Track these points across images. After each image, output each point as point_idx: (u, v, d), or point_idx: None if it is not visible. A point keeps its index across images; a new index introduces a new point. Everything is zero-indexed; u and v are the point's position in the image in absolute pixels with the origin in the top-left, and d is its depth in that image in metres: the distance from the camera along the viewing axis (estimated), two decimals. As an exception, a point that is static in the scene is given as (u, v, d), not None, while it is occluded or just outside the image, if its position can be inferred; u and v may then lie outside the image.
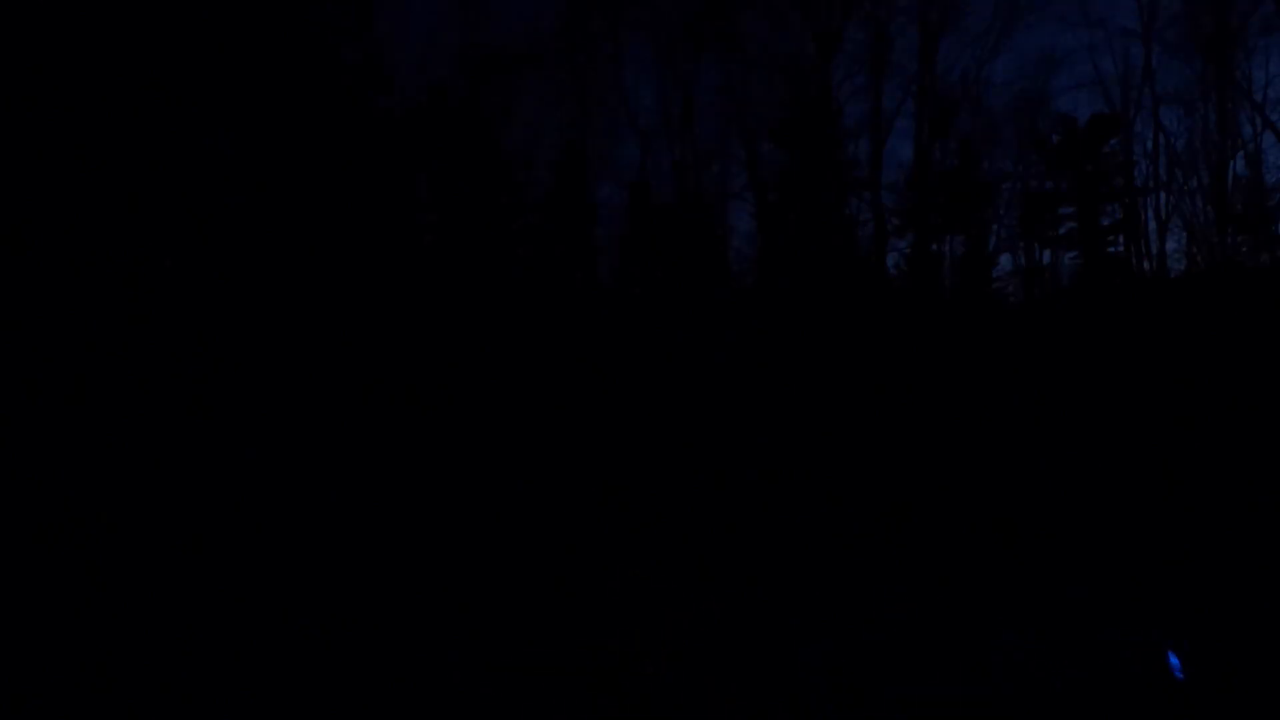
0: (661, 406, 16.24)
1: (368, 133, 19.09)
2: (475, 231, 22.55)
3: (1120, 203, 28.63)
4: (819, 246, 25.04)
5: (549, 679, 6.09)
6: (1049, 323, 21.44)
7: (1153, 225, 27.98)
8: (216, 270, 14.51)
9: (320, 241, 16.04)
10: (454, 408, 15.56)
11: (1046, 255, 31.22)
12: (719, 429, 15.46)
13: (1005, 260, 31.37)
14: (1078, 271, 29.26)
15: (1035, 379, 16.65)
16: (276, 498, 12.39)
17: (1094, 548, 10.19)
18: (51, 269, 12.94)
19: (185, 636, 7.24)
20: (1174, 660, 6.01)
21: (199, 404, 13.49)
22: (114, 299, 13.37)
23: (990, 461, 13.89)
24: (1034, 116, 29.48)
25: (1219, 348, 15.72)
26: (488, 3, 36.11)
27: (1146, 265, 27.67)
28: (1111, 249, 28.90)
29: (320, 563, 10.09)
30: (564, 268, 24.51)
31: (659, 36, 28.05)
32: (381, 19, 32.73)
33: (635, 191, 27.14)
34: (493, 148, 24.49)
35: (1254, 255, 25.12)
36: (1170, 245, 35.22)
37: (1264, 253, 24.88)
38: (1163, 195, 28.05)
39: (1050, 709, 5.51)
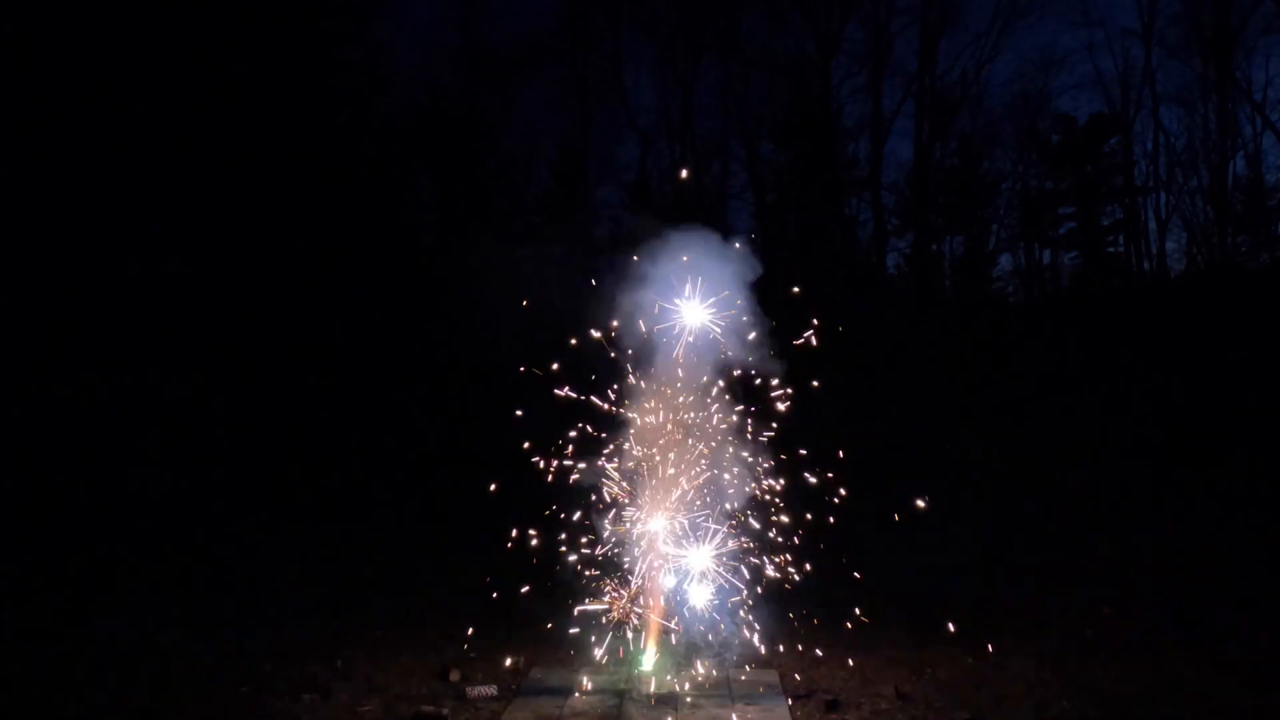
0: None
1: (368, 132, 19.11)
2: (475, 231, 22.57)
3: (1120, 203, 28.64)
4: (819, 246, 25.06)
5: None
6: (1049, 323, 21.43)
7: (1153, 225, 28.00)
8: (216, 270, 14.53)
9: (321, 240, 16.05)
10: (452, 404, 15.55)
11: (1046, 255, 31.26)
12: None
13: (1005, 260, 31.23)
14: (1077, 271, 29.27)
15: (1034, 379, 16.64)
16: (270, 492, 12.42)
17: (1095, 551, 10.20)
18: (53, 270, 12.96)
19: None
20: None
21: (198, 404, 13.51)
22: (115, 299, 13.39)
23: (989, 463, 13.89)
24: (1034, 116, 29.47)
25: (1219, 348, 15.71)
26: (488, 3, 36.12)
27: (1146, 265, 27.69)
28: (1111, 249, 28.92)
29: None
30: (563, 267, 24.50)
31: (659, 36, 28.07)
32: (381, 19, 32.70)
33: (635, 191, 27.15)
34: (492, 148, 24.52)
35: (1254, 255, 25.13)
36: (1170, 245, 35.16)
37: (1264, 253, 24.89)
38: (1163, 195, 28.07)
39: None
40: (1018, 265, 31.36)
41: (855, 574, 7.21)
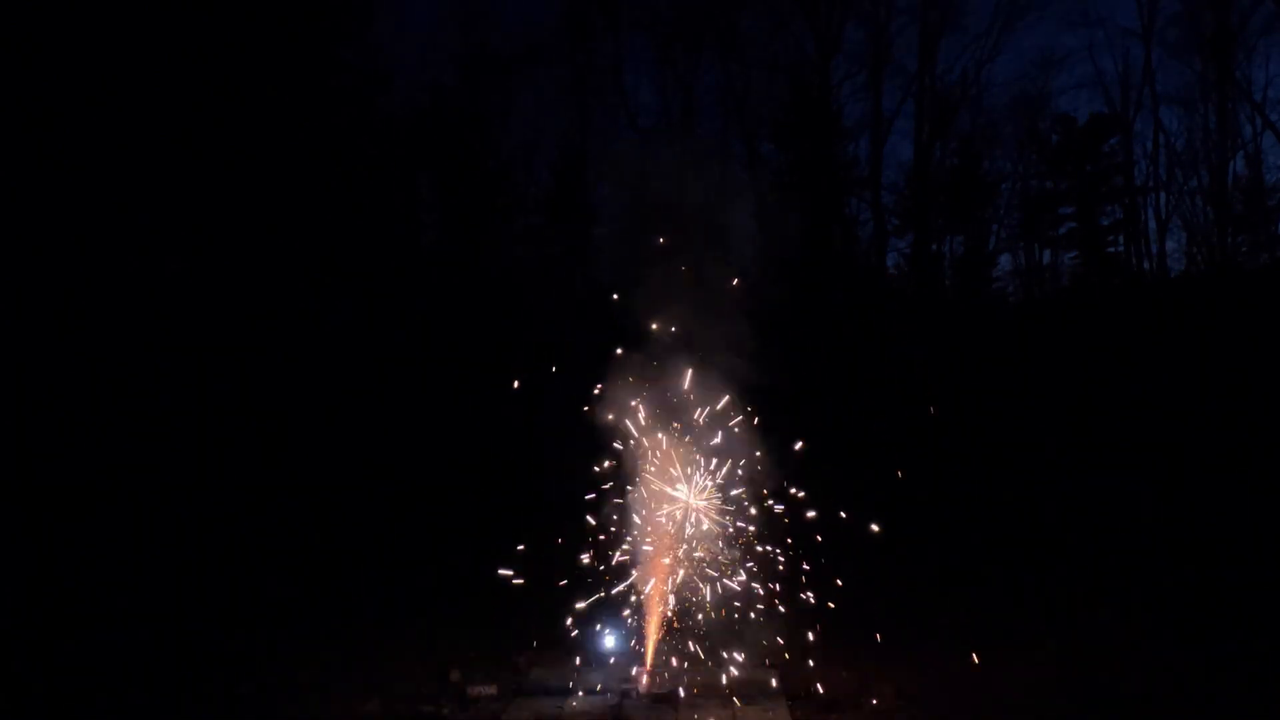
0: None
1: (368, 132, 19.08)
2: (475, 231, 22.53)
3: (1120, 203, 28.58)
4: (819, 246, 24.98)
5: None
6: (1049, 323, 21.42)
7: (1153, 225, 27.94)
8: (216, 269, 14.50)
9: (321, 240, 16.02)
10: (452, 405, 15.54)
11: (1046, 255, 31.19)
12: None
13: (1005, 260, 31.18)
14: (1077, 271, 29.20)
15: (1034, 379, 16.63)
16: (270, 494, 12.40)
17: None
18: (52, 268, 12.94)
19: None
20: None
21: (197, 403, 13.50)
22: (117, 299, 13.37)
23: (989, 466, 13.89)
24: (1034, 116, 29.35)
25: (1219, 347, 15.70)
26: (487, 3, 35.98)
27: (1146, 265, 27.62)
28: (1111, 249, 28.86)
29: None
30: (564, 268, 24.47)
31: (659, 36, 27.99)
32: (381, 19, 32.66)
33: (635, 191, 27.05)
34: (492, 148, 24.47)
35: (1254, 255, 25.07)
36: (1170, 245, 35.13)
37: (1264, 253, 24.83)
38: (1163, 195, 27.97)
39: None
40: (1018, 265, 31.28)
41: (856, 574, 7.20)
